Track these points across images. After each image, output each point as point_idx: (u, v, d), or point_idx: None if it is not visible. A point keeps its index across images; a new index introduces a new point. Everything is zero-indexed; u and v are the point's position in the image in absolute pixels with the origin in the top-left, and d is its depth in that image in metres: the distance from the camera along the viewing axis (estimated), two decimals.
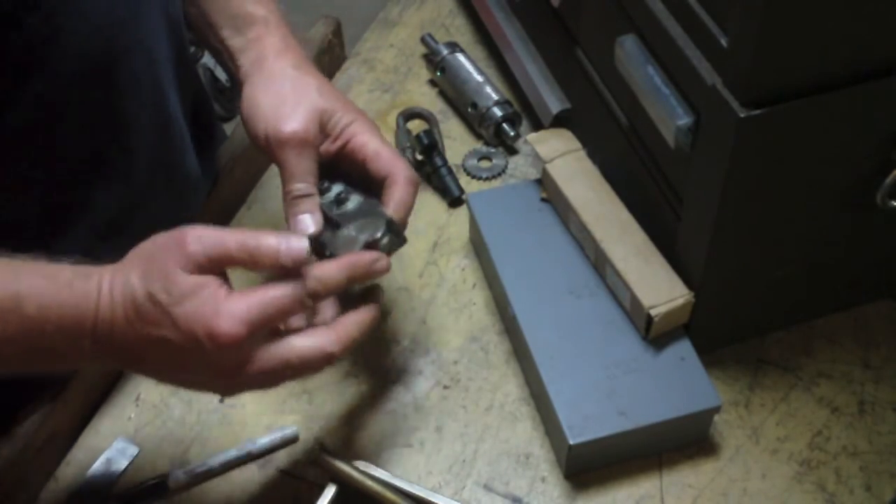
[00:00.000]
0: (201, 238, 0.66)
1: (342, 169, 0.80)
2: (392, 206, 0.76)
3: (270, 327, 0.67)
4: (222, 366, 0.66)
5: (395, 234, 0.75)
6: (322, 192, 0.78)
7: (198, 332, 0.64)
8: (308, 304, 0.68)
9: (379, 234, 0.73)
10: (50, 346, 0.66)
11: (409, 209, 0.77)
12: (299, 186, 0.76)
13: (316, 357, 0.68)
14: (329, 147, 0.79)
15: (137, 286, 0.65)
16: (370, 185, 0.79)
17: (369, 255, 0.72)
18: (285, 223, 0.78)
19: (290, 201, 0.76)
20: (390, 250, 0.74)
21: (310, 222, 0.76)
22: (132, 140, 0.83)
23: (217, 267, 0.67)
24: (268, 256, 0.66)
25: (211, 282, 0.65)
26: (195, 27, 0.87)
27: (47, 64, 0.73)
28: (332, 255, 0.74)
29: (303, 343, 0.68)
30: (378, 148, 0.78)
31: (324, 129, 0.78)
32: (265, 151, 0.79)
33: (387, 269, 0.73)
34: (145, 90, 0.82)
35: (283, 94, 0.78)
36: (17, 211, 0.79)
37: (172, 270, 0.65)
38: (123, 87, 0.80)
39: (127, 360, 0.69)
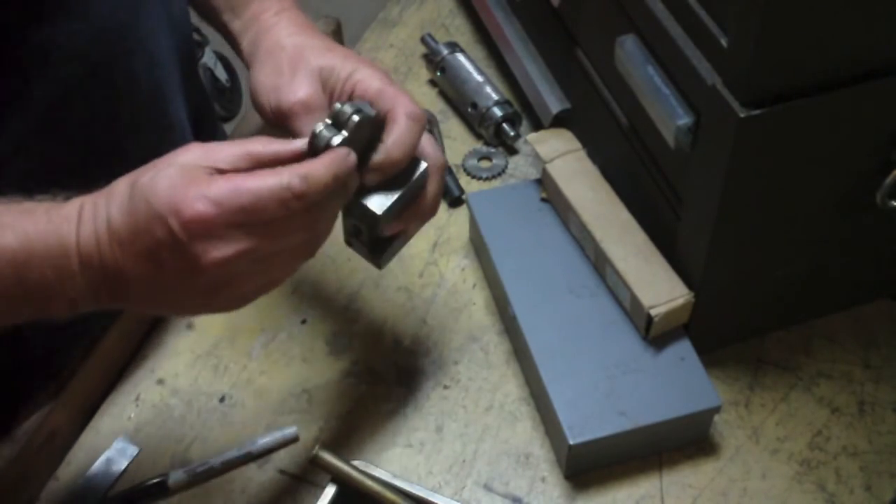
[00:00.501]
0: (217, 146, 0.64)
1: None
2: (389, 142, 0.70)
3: (245, 223, 0.62)
4: (196, 262, 0.62)
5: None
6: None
7: (168, 211, 0.60)
8: (294, 207, 0.62)
9: (363, 114, 0.67)
10: (40, 279, 0.62)
11: (407, 147, 0.70)
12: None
13: (273, 194, 0.62)
14: (338, 99, 0.75)
15: (122, 187, 0.62)
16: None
17: (346, 149, 0.66)
18: None
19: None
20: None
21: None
22: (132, 141, 0.83)
23: (225, 171, 0.63)
24: (275, 155, 0.64)
25: (196, 168, 0.62)
26: (204, 16, 0.86)
27: (49, 67, 0.73)
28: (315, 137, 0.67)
29: (257, 181, 0.62)
30: (380, 86, 0.73)
31: (326, 87, 0.75)
32: (276, 126, 0.76)
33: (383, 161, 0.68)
34: (145, 91, 0.82)
35: (280, 66, 0.76)
36: None
37: (172, 164, 0.62)
38: (123, 88, 0.80)
39: (115, 288, 0.64)
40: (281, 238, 0.64)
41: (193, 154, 0.64)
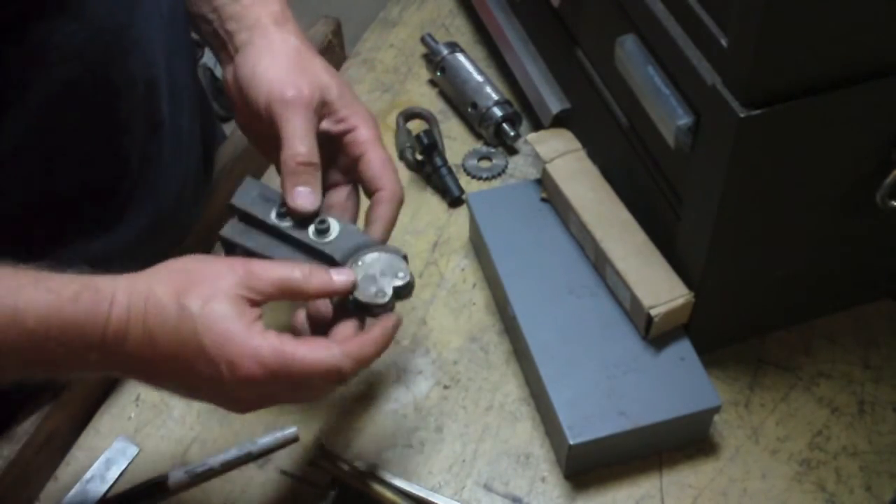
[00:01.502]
0: (256, 275, 0.66)
1: (326, 153, 0.76)
2: (379, 224, 0.74)
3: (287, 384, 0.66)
4: (236, 395, 0.66)
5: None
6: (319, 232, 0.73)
7: (220, 359, 0.64)
8: (337, 381, 0.67)
9: (408, 277, 0.70)
10: (51, 358, 0.65)
11: (392, 227, 0.75)
12: (301, 151, 0.72)
13: (322, 372, 0.66)
14: (329, 127, 0.77)
15: (167, 300, 0.64)
16: (349, 174, 0.77)
17: (395, 320, 0.70)
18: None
19: (293, 167, 0.72)
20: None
21: (309, 198, 0.72)
22: (128, 141, 0.83)
23: (263, 301, 0.67)
24: (317, 294, 0.68)
25: (248, 313, 0.65)
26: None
27: (46, 68, 0.73)
28: (356, 301, 0.70)
29: (311, 356, 0.66)
30: (375, 150, 0.76)
31: (327, 107, 0.76)
32: (261, 118, 0.75)
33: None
34: (142, 91, 0.82)
35: (289, 62, 0.76)
36: (14, 210, 0.79)
37: (217, 294, 0.64)
38: (120, 88, 0.80)
39: (136, 372, 0.67)
40: (313, 392, 0.70)
41: (232, 279, 0.66)
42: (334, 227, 0.72)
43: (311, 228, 0.72)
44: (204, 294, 0.65)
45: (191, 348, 0.64)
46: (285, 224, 0.72)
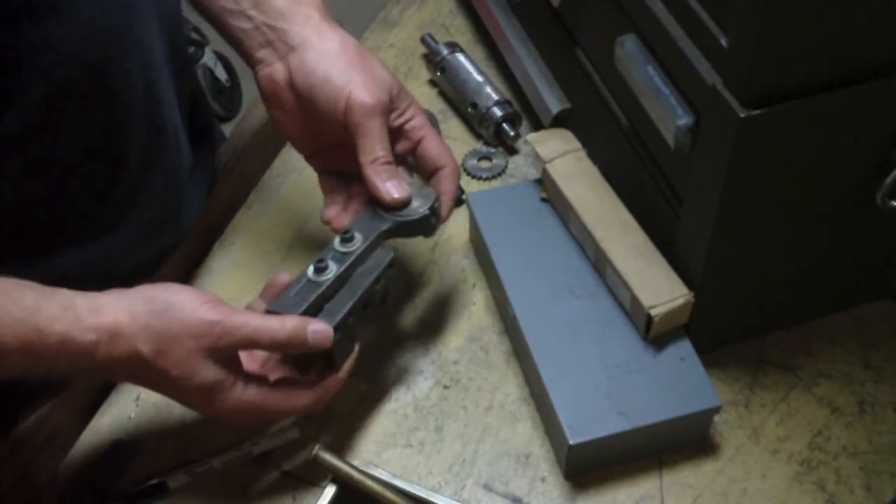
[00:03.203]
0: (229, 332, 0.70)
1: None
2: (447, 197, 0.82)
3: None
4: (214, 413, 0.74)
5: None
6: (317, 270, 0.77)
7: (203, 406, 0.73)
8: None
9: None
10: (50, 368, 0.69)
11: (452, 201, 0.83)
12: (381, 154, 0.78)
13: (288, 410, 0.76)
14: (393, 121, 0.81)
15: (149, 356, 0.69)
16: (404, 156, 0.84)
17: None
18: (316, 212, 0.84)
19: (378, 168, 0.78)
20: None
21: (399, 188, 0.79)
22: (126, 142, 0.83)
23: (240, 351, 0.74)
24: (296, 345, 0.72)
25: (230, 380, 0.72)
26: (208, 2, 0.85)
27: (43, 68, 0.73)
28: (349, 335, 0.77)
29: (281, 402, 0.75)
30: (432, 134, 0.83)
31: (392, 103, 0.80)
32: (328, 119, 0.79)
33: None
34: (139, 92, 0.82)
35: (357, 63, 0.79)
36: (15, 212, 0.79)
37: (194, 358, 0.70)
38: (117, 89, 0.80)
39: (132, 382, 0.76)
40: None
41: (206, 342, 0.71)
42: (357, 237, 0.78)
43: (337, 240, 0.78)
44: (182, 358, 0.70)
45: (173, 393, 0.73)
46: (318, 277, 0.76)
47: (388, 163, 0.79)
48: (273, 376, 0.76)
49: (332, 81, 0.78)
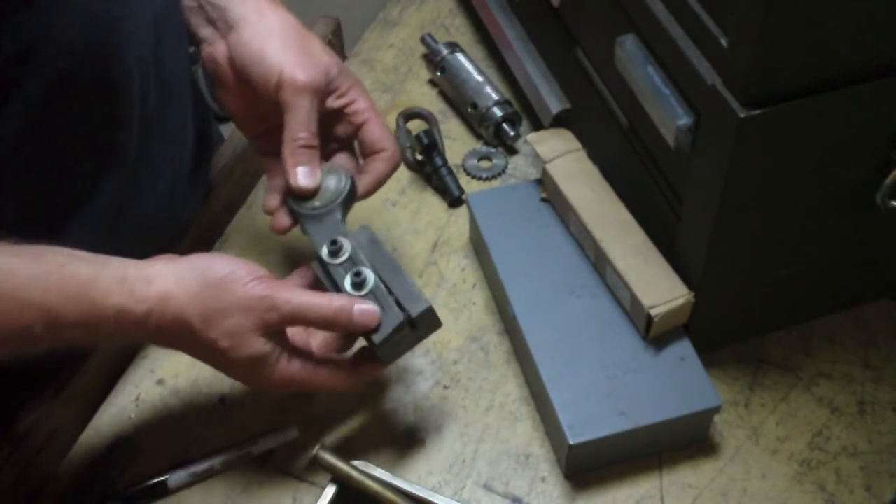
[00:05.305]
0: (277, 307, 0.72)
1: (327, 124, 0.83)
2: (370, 177, 0.82)
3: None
4: (258, 384, 0.76)
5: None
6: (332, 253, 0.77)
7: (247, 376, 0.75)
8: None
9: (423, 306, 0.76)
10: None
11: (381, 184, 0.83)
12: (304, 135, 0.78)
13: (328, 388, 0.78)
14: (332, 103, 0.82)
15: (198, 326, 0.71)
16: (347, 140, 0.84)
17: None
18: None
19: (295, 149, 0.78)
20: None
21: (308, 177, 0.79)
22: (121, 136, 0.83)
23: (288, 326, 0.75)
24: (341, 326, 0.73)
25: (276, 353, 0.74)
26: None
27: (41, 61, 0.73)
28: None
29: (322, 380, 0.77)
30: (375, 118, 0.82)
31: (329, 84, 0.80)
32: (263, 97, 0.80)
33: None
34: (137, 86, 0.82)
35: (294, 44, 0.79)
36: (18, 202, 0.79)
37: (243, 330, 0.72)
38: (116, 82, 0.80)
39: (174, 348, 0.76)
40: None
41: (255, 317, 0.73)
42: (346, 246, 0.77)
43: (325, 250, 0.77)
44: (233, 331, 0.72)
45: (220, 362, 0.74)
46: (331, 261, 0.77)
47: (308, 146, 0.78)
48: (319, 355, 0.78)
49: (266, 59, 0.79)
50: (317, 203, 0.79)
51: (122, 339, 0.73)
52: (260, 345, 0.72)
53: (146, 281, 0.70)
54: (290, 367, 0.74)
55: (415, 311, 0.74)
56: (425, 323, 0.75)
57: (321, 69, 0.79)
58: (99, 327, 0.69)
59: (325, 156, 0.84)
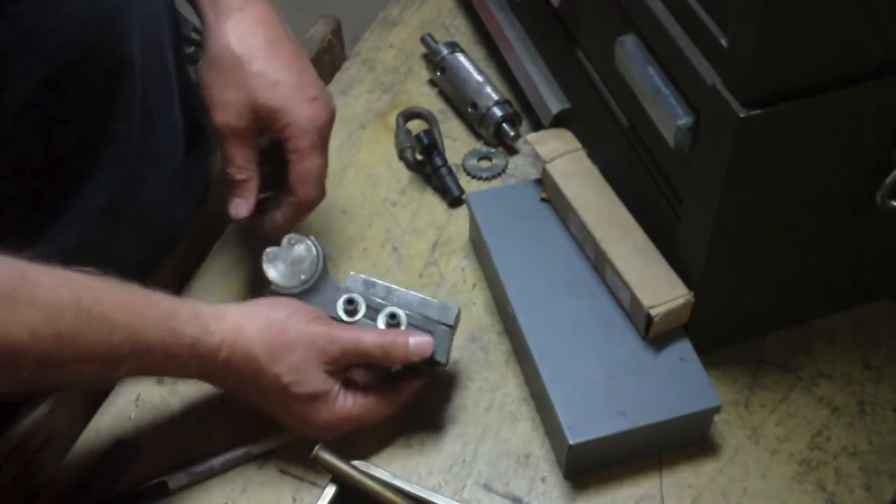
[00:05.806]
0: (336, 339, 0.77)
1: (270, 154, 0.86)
2: (276, 216, 0.85)
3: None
4: (311, 425, 0.80)
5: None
6: (349, 313, 0.82)
7: (302, 416, 0.78)
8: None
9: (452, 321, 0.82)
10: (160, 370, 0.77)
11: (288, 229, 0.85)
12: (231, 171, 0.84)
13: (377, 418, 0.82)
14: (273, 135, 0.84)
15: (264, 360, 0.75)
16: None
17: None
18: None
19: (231, 182, 0.85)
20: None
21: (241, 208, 0.84)
22: (122, 127, 0.83)
23: (349, 363, 0.79)
24: (398, 356, 0.79)
25: (336, 390, 0.78)
26: None
27: (42, 52, 0.72)
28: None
29: (372, 411, 0.81)
30: (301, 159, 0.84)
31: (268, 118, 0.83)
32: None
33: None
34: (137, 78, 0.82)
35: (223, 80, 0.83)
36: (11, 195, 0.79)
37: (306, 364, 0.76)
38: (116, 73, 0.80)
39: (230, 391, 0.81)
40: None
41: (316, 356, 0.78)
42: (358, 300, 0.82)
43: (341, 313, 0.82)
44: (297, 366, 0.77)
45: (281, 404, 0.78)
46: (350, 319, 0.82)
47: (244, 181, 0.84)
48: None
49: (206, 90, 0.84)
50: (303, 277, 0.82)
51: (194, 371, 0.75)
52: (321, 381, 0.77)
53: (218, 317, 0.75)
54: (346, 404, 0.79)
55: (451, 318, 0.81)
56: (458, 321, 0.83)
57: (247, 113, 0.82)
58: (177, 356, 0.72)
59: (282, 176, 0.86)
